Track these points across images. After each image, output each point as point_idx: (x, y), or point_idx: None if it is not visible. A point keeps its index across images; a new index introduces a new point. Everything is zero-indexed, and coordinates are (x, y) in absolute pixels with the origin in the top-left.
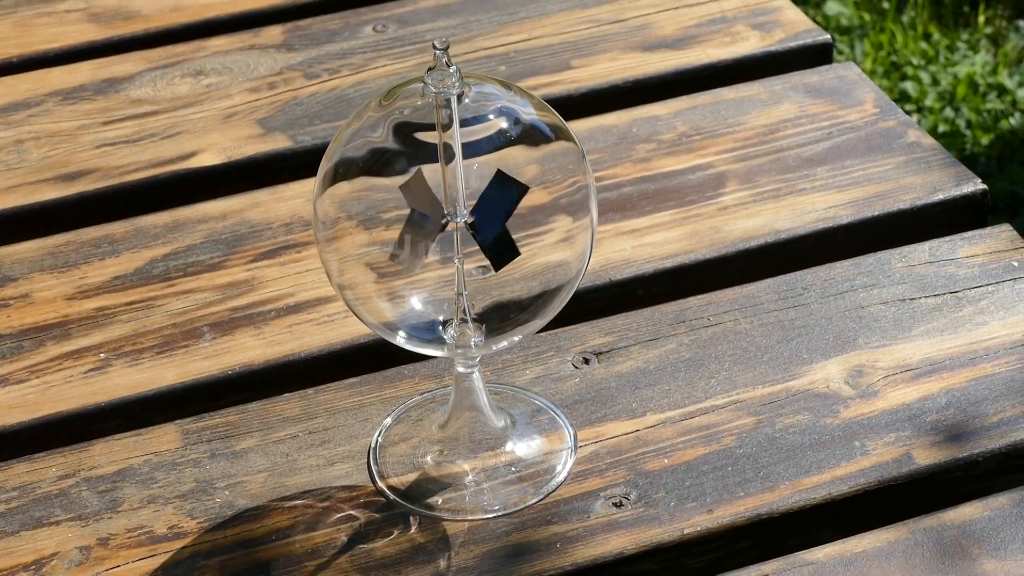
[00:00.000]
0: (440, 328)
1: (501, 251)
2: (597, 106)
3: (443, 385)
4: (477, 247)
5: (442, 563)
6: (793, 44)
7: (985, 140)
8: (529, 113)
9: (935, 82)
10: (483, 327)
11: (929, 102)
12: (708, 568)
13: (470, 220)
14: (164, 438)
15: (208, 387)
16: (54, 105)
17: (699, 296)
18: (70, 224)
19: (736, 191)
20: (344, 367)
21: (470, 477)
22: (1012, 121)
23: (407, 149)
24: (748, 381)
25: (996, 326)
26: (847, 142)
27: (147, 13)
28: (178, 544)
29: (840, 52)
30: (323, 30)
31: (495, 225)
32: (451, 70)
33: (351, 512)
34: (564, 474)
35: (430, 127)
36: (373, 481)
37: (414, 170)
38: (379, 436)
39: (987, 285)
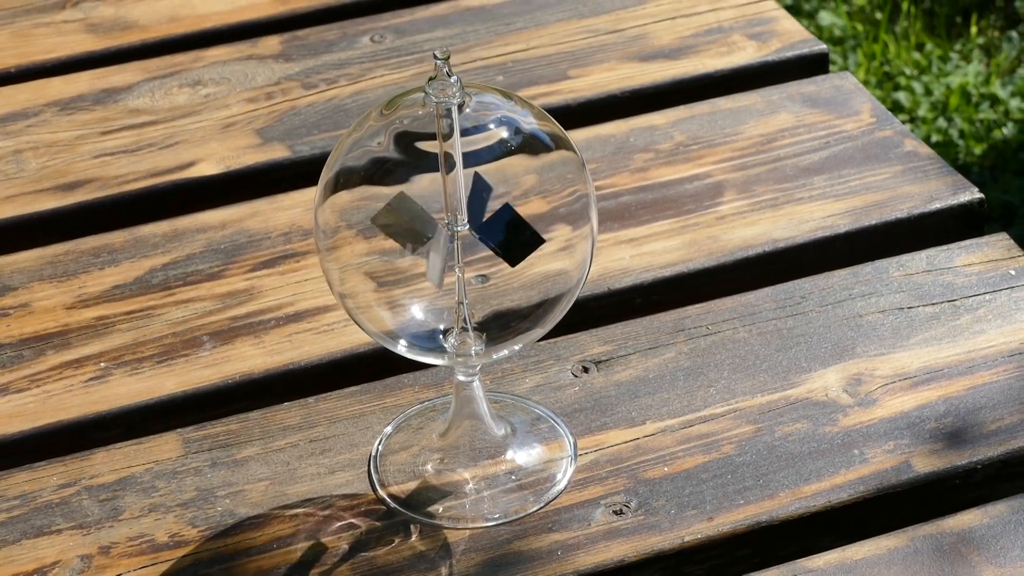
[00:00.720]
0: (441, 337)
1: (514, 247)
2: (594, 116)
3: (443, 393)
4: (477, 256)
5: (443, 571)
6: (789, 54)
7: (978, 150)
8: (529, 123)
9: (928, 92)
10: (483, 336)
11: (922, 112)
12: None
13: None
14: (165, 447)
15: (208, 396)
16: (52, 115)
17: (698, 305)
18: (69, 234)
19: (734, 200)
20: (344, 376)
21: (470, 485)
22: (1005, 131)
23: (408, 158)
24: (747, 389)
25: (994, 334)
26: (844, 151)
27: (145, 23)
28: (179, 552)
29: (833, 63)
30: (321, 40)
31: (495, 237)
32: (452, 80)
33: (352, 520)
34: (564, 482)
35: (431, 136)
36: (374, 489)
37: (392, 196)
38: (379, 444)
39: (984, 294)
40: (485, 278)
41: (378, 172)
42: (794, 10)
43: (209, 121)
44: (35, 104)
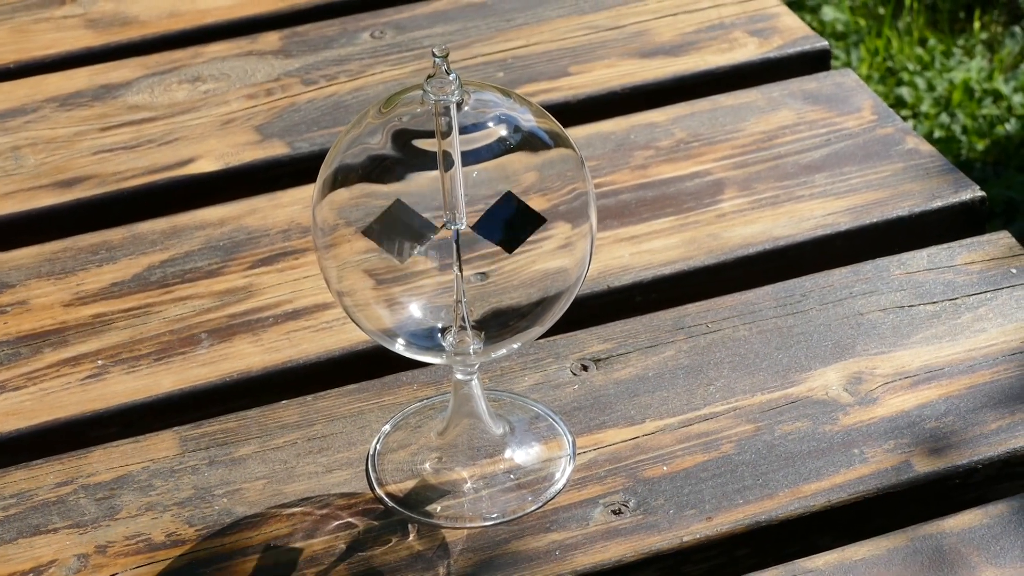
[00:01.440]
0: (439, 335)
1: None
2: (595, 113)
3: (442, 392)
4: (475, 254)
5: (441, 571)
6: (791, 51)
7: (981, 146)
8: (528, 120)
9: (931, 88)
10: (482, 334)
11: (925, 108)
12: None
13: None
14: (162, 445)
15: (206, 394)
16: (51, 111)
17: (697, 303)
18: (67, 230)
19: (734, 198)
20: (342, 374)
21: (469, 484)
22: (1008, 127)
23: (406, 156)
24: (747, 388)
25: (995, 333)
26: (845, 149)
27: (144, 19)
28: (176, 552)
29: (836, 58)
30: (321, 36)
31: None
32: (450, 78)
33: (349, 519)
34: (563, 481)
35: (429, 134)
36: (372, 488)
37: (386, 206)
38: (377, 443)
39: (985, 292)
40: (484, 275)
41: (376, 170)
42: (797, 5)
43: (208, 117)
44: (34, 100)
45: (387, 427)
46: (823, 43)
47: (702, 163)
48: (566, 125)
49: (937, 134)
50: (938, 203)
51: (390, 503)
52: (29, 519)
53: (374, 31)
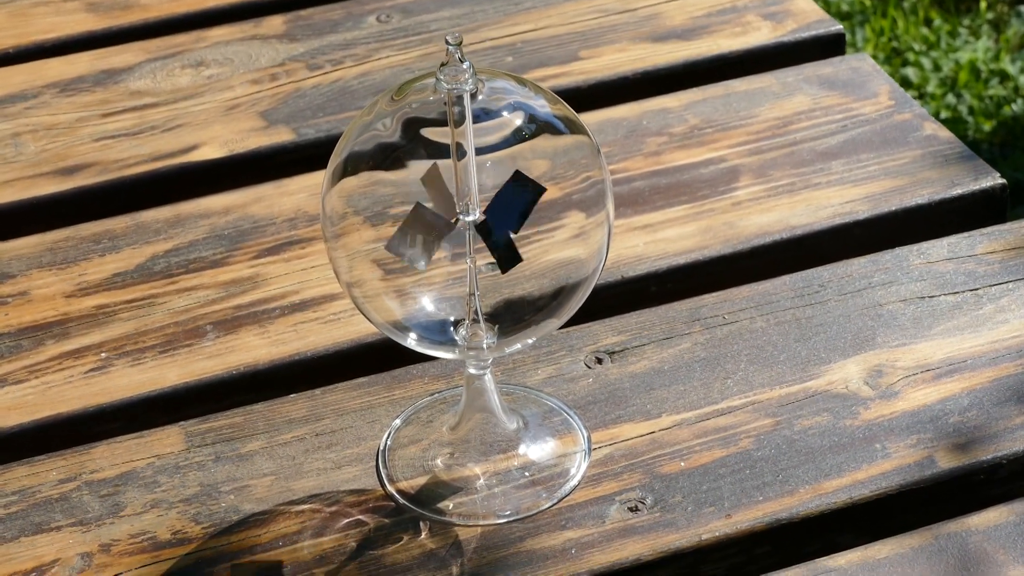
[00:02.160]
0: (451, 329)
1: (511, 254)
2: (606, 98)
3: (453, 385)
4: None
5: (454, 570)
6: (805, 35)
7: (987, 127)
8: (543, 108)
9: (937, 68)
10: (495, 328)
11: (931, 88)
12: (727, 575)
13: (480, 220)
14: (167, 440)
15: (212, 388)
16: (52, 97)
17: (714, 293)
18: (69, 219)
19: (750, 185)
20: (351, 367)
21: (481, 481)
22: (1015, 107)
23: (418, 146)
24: (765, 381)
25: (1018, 324)
26: (862, 135)
27: (146, 2)
28: (182, 550)
29: None
30: (326, 20)
31: (508, 226)
32: (464, 66)
33: (360, 517)
34: (578, 477)
35: (442, 123)
36: (382, 485)
37: (430, 164)
38: (388, 438)
39: (1008, 282)
40: (495, 265)
41: (387, 159)
42: None
43: (212, 103)
44: (34, 86)
45: (397, 422)
46: (838, 27)
47: (716, 149)
48: (577, 111)
49: (943, 115)
50: (958, 190)
51: (401, 500)
52: (31, 517)
53: (380, 15)
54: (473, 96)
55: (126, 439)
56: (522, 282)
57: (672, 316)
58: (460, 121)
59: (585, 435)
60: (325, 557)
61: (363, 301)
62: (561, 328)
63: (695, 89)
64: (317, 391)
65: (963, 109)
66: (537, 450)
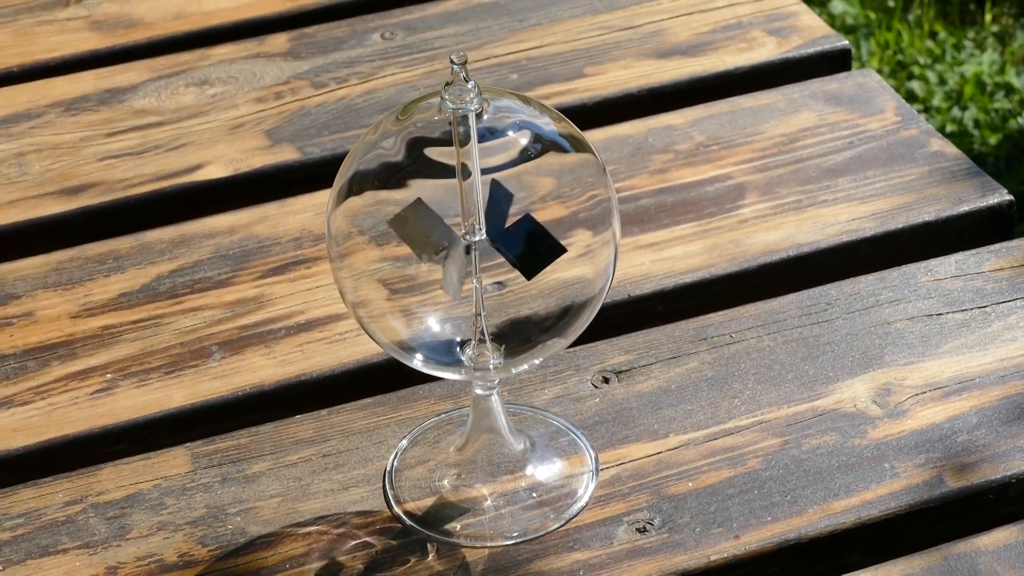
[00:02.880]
0: (458, 349)
1: (531, 259)
2: (611, 115)
3: (460, 406)
4: (492, 263)
5: None
6: (811, 50)
7: (993, 140)
8: (548, 126)
9: (942, 81)
10: (502, 348)
11: (936, 102)
12: None
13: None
14: (174, 462)
15: (218, 409)
16: (56, 116)
17: (721, 312)
18: (74, 240)
19: (756, 203)
20: (358, 387)
21: (489, 502)
22: (1020, 120)
23: (423, 165)
24: (773, 400)
25: None
26: (869, 152)
27: (150, 21)
28: (189, 573)
29: None
30: (330, 38)
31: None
32: (469, 85)
33: (367, 539)
34: (586, 498)
35: (447, 142)
36: (389, 506)
37: (409, 202)
38: (395, 459)
39: (1016, 299)
40: (502, 284)
41: (392, 178)
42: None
43: (217, 122)
44: (38, 105)
45: (404, 442)
46: (843, 42)
47: (722, 167)
48: (582, 128)
49: (949, 128)
50: (965, 207)
51: (408, 521)
52: (37, 539)
53: (384, 32)
54: (478, 115)
55: (132, 461)
56: (528, 301)
57: (679, 335)
58: (465, 141)
59: (592, 455)
60: None
61: (368, 321)
62: (568, 348)
63: (700, 106)
64: (323, 412)
65: (969, 122)
66: (544, 471)
